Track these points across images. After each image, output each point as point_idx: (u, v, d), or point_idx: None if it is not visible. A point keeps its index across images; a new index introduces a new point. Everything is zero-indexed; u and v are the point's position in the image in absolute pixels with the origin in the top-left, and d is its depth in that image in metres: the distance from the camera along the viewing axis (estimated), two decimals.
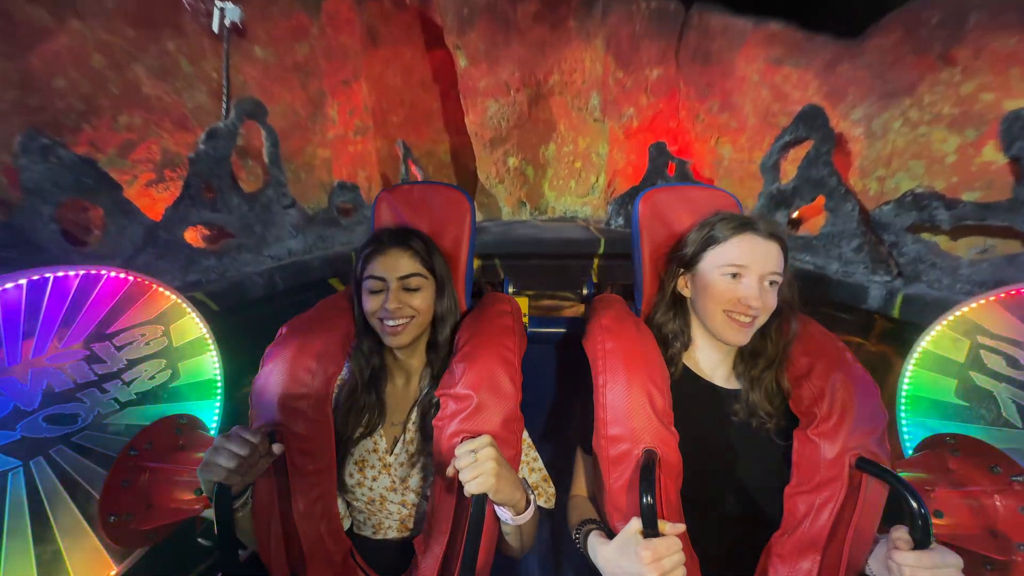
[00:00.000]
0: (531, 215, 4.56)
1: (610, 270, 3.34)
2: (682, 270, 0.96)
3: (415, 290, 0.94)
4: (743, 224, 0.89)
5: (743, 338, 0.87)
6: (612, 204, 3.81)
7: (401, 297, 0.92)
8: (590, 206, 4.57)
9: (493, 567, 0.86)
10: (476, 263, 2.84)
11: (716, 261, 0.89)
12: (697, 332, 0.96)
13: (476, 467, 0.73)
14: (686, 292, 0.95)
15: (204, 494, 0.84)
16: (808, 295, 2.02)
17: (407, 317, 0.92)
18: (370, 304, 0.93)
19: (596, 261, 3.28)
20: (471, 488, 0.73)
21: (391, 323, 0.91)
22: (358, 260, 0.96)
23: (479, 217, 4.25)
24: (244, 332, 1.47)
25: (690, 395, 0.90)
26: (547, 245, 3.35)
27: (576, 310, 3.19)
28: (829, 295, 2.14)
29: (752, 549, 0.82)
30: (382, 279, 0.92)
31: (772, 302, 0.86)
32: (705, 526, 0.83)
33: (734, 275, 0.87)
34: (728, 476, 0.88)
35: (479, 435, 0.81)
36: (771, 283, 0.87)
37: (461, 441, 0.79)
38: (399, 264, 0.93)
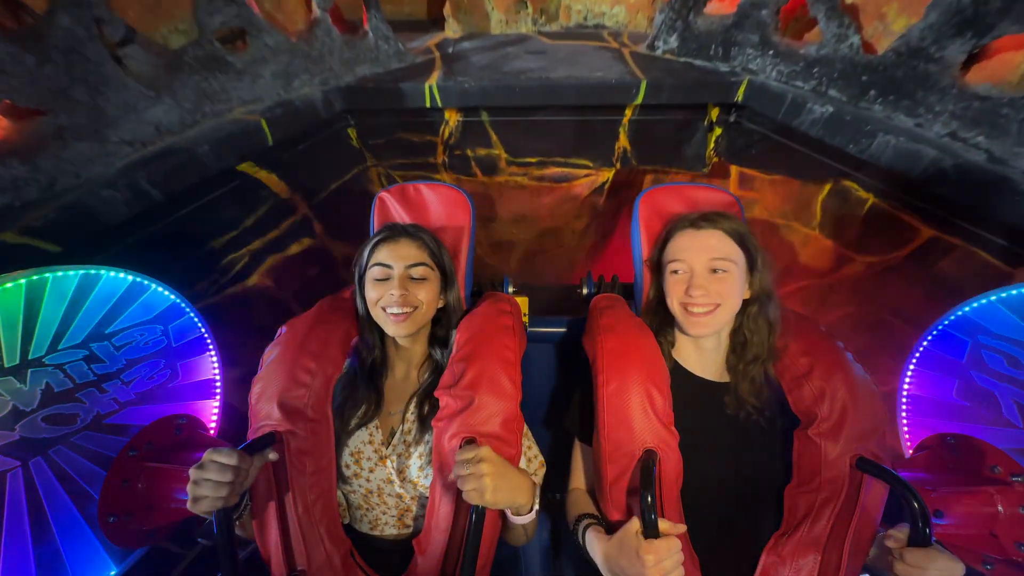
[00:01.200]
0: (534, 25, 3.00)
1: (646, 132, 2.24)
2: (656, 275, 1.00)
3: (420, 280, 0.94)
4: (680, 222, 0.94)
5: (702, 329, 0.89)
6: (663, 8, 2.36)
7: (407, 285, 0.92)
8: (625, 7, 2.94)
9: (494, 563, 0.87)
10: (457, 119, 2.27)
11: (665, 260, 0.94)
12: (680, 331, 0.97)
13: (472, 479, 0.73)
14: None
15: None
16: (954, 198, 1.38)
17: (411, 307, 0.92)
18: (374, 292, 0.93)
19: (628, 114, 2.20)
20: (468, 499, 0.74)
21: (395, 311, 0.91)
22: (364, 251, 0.97)
23: (456, 32, 2.99)
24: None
25: (679, 389, 0.90)
26: (556, 92, 2.18)
27: (593, 180, 2.50)
28: (996, 208, 1.31)
29: (751, 548, 0.82)
30: (388, 266, 0.93)
31: (726, 288, 0.87)
32: (704, 524, 0.83)
33: (676, 271, 0.91)
34: (721, 470, 0.88)
35: (479, 435, 0.81)
36: (715, 270, 0.88)
37: (461, 443, 0.79)
38: (407, 253, 0.94)
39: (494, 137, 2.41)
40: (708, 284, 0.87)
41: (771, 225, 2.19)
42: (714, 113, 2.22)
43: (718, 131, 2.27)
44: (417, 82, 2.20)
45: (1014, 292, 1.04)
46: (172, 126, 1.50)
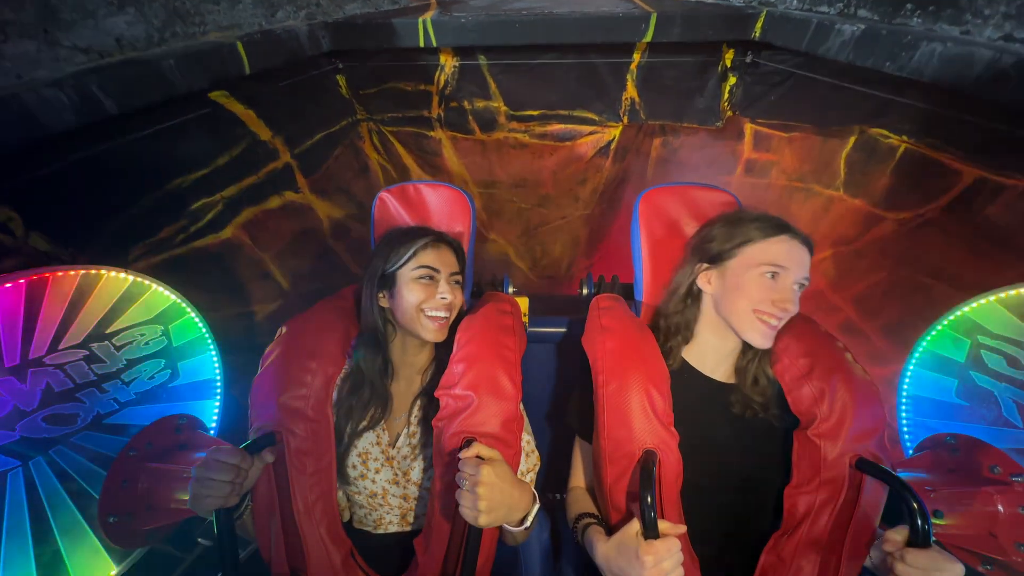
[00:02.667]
0: None
1: (656, 78, 2.12)
2: (706, 265, 0.94)
3: (457, 286, 0.98)
4: (780, 226, 0.90)
5: (768, 341, 0.87)
6: None
7: (452, 290, 0.95)
8: None
9: (494, 563, 0.87)
10: (453, 63, 2.16)
11: (752, 260, 0.88)
12: (705, 328, 0.95)
13: (468, 497, 0.73)
14: (707, 288, 0.93)
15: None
16: (1019, 101, 1.14)
17: (452, 311, 0.95)
18: (419, 294, 0.92)
19: (636, 58, 2.08)
20: (462, 514, 0.74)
21: (440, 315, 0.93)
22: (406, 252, 0.95)
23: None
24: (50, 196, 1.03)
25: (686, 388, 0.90)
26: (559, 28, 2.02)
27: (599, 138, 2.37)
28: None
29: (751, 548, 0.83)
30: (437, 270, 0.94)
31: (798, 308, 0.87)
32: (704, 524, 0.83)
33: (773, 275, 0.86)
34: (724, 470, 0.88)
35: (479, 435, 0.81)
36: (800, 286, 0.87)
37: (461, 443, 0.79)
38: (450, 260, 0.98)
39: (492, 86, 2.23)
40: (795, 299, 0.86)
41: (788, 189, 2.04)
42: (728, 57, 2.09)
43: (732, 80, 2.13)
44: (410, 18, 2.06)
45: (1014, 292, 1.04)
46: (136, 41, 1.31)
